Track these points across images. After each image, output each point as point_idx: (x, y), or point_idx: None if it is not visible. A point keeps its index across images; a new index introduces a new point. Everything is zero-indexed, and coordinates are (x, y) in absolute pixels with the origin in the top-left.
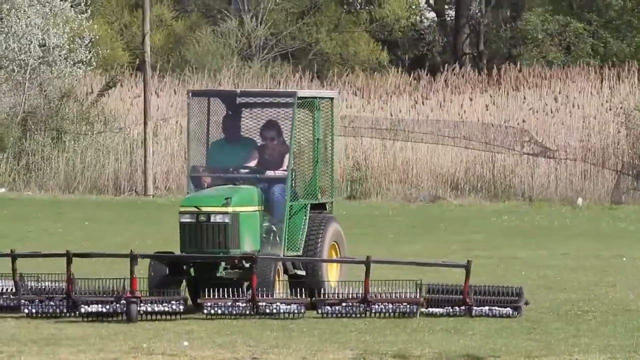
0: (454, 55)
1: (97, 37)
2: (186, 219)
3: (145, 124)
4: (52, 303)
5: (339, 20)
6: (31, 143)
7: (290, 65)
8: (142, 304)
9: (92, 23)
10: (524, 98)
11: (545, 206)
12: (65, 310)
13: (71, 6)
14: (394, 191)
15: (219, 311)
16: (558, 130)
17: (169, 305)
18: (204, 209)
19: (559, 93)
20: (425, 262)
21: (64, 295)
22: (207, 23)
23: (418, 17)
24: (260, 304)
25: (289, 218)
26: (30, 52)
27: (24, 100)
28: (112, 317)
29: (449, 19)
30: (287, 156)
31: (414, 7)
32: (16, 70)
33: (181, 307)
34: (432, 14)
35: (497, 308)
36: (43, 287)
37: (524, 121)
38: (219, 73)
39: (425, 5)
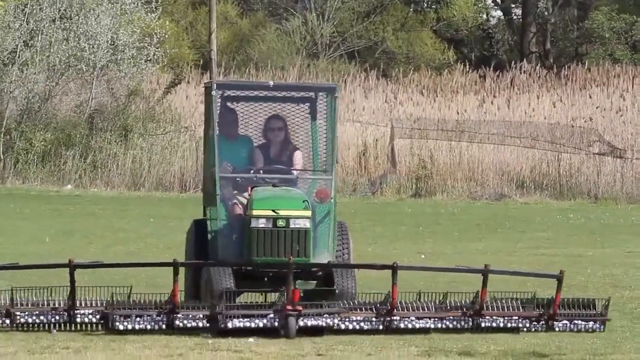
0: (521, 54)
1: (167, 35)
2: (261, 224)
3: None
4: (149, 317)
5: (406, 19)
6: (98, 140)
7: (356, 64)
8: (301, 318)
9: (163, 21)
10: (590, 97)
11: (611, 204)
12: (164, 327)
13: (142, 3)
14: (460, 189)
15: (350, 326)
16: (625, 129)
17: (324, 319)
18: (283, 212)
19: (626, 91)
20: (519, 272)
21: (165, 309)
22: (273, 21)
23: (484, 16)
24: (394, 318)
25: (321, 222)
26: (100, 51)
27: (91, 98)
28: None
29: (515, 17)
30: (296, 154)
31: (480, 4)
32: (84, 69)
33: (336, 320)
34: (499, 12)
35: (580, 322)
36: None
37: (590, 119)
38: (284, 71)
39: (492, 4)
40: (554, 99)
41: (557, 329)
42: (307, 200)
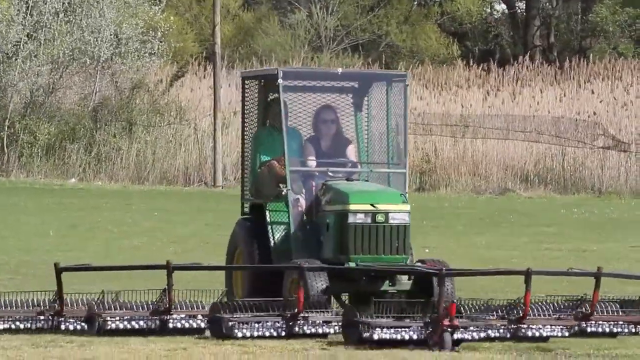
0: (524, 48)
1: (171, 29)
2: (359, 219)
3: (215, 115)
4: (270, 324)
5: (410, 13)
6: (102, 134)
7: (360, 57)
8: (458, 332)
9: (167, 14)
10: (593, 91)
11: (615, 199)
12: (283, 334)
13: None
14: (463, 183)
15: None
16: (630, 123)
17: (477, 332)
18: (381, 206)
19: (631, 85)
20: (631, 275)
21: (285, 315)
22: (277, 14)
23: (488, 9)
24: (521, 326)
25: None
26: (103, 44)
27: (95, 91)
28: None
29: (519, 11)
30: (350, 148)
31: None
32: (88, 62)
33: (482, 334)
34: (503, 6)
35: None
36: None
37: (594, 113)
38: (288, 64)
39: None
40: (558, 93)
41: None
42: (404, 194)
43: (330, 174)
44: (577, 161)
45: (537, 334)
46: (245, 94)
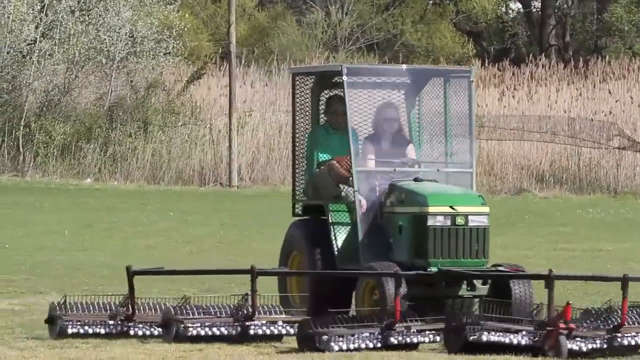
0: (540, 47)
1: (186, 28)
2: (439, 222)
3: (230, 115)
4: (366, 336)
5: (425, 11)
6: (117, 134)
7: (375, 57)
8: (572, 340)
9: (182, 14)
10: (609, 91)
11: (631, 199)
12: (379, 345)
13: None
14: (478, 183)
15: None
16: None
17: (590, 343)
18: (461, 209)
19: None
20: None
21: (381, 325)
22: (292, 14)
23: (504, 8)
24: (617, 335)
25: None
26: (119, 44)
27: (110, 90)
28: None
29: (534, 10)
30: (410, 147)
31: None
32: (104, 62)
33: (597, 343)
34: (518, 5)
35: None
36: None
37: (610, 113)
38: (303, 63)
39: None
40: (573, 93)
41: None
42: (482, 196)
43: (391, 174)
44: (593, 161)
45: (633, 343)
46: (296, 92)
